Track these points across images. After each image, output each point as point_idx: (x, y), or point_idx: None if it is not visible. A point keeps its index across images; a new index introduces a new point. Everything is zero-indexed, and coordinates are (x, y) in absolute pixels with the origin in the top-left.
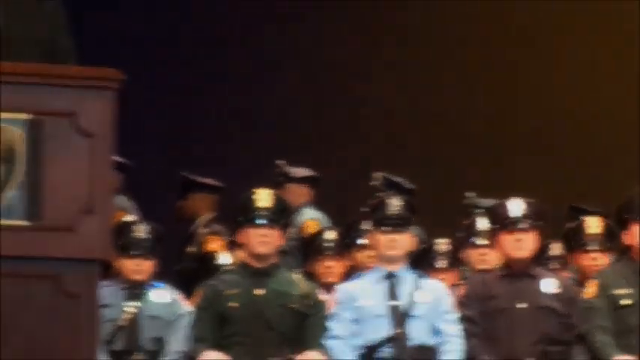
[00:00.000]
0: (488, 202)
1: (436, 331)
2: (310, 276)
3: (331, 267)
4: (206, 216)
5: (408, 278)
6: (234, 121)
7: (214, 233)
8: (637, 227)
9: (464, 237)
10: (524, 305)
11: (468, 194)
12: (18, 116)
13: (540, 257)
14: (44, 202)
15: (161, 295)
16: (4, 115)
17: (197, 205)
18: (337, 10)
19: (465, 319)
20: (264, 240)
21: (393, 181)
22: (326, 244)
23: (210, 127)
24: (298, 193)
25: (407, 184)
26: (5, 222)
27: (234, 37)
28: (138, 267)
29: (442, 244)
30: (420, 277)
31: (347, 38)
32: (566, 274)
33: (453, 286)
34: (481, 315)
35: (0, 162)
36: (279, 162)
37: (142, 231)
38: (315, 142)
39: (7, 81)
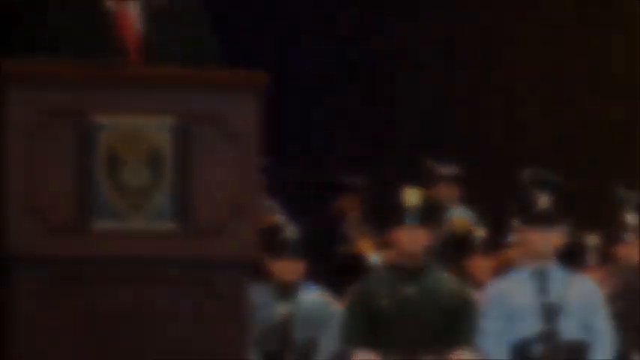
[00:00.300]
0: (637, 196)
1: (587, 328)
2: (461, 274)
3: (481, 265)
4: (354, 216)
5: (558, 275)
6: (379, 120)
7: (364, 233)
8: None
9: (613, 232)
10: None
11: (618, 189)
12: (164, 120)
13: None
14: (192, 205)
15: (312, 295)
16: (151, 119)
17: (345, 205)
18: None
19: (614, 315)
20: (414, 239)
21: (543, 177)
22: (476, 242)
23: (356, 126)
24: (447, 192)
25: (556, 181)
26: (154, 226)
27: (370, 31)
28: (289, 268)
29: (592, 239)
30: (571, 273)
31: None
32: None
33: (603, 281)
34: (631, 310)
35: (148, 166)
36: (427, 161)
37: (291, 232)
38: (462, 140)
39: (151, 84)
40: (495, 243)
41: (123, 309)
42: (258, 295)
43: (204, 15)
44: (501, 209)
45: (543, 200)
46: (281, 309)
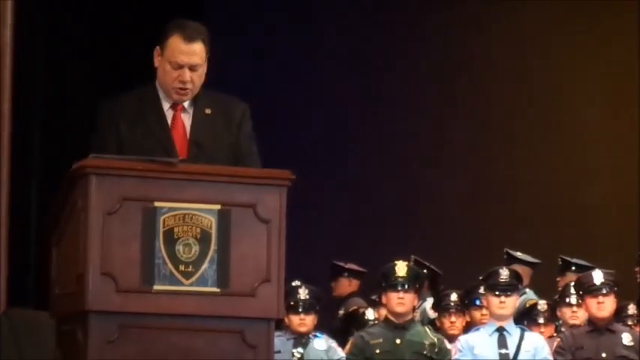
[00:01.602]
0: (581, 261)
1: None
2: (437, 328)
3: (454, 322)
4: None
5: (514, 331)
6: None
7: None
8: None
9: (559, 298)
10: (606, 355)
11: (563, 256)
12: (211, 207)
13: (619, 315)
14: (231, 273)
15: (320, 343)
16: (200, 205)
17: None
18: None
19: None
20: (402, 302)
21: (515, 255)
22: (451, 304)
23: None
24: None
25: (529, 259)
26: (200, 289)
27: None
28: (302, 321)
29: (542, 304)
30: (524, 330)
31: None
32: None
33: (550, 338)
34: None
35: (197, 242)
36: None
37: (304, 293)
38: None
39: (202, 179)
40: (466, 305)
41: (172, 353)
42: (279, 342)
43: (247, 122)
44: (472, 279)
45: (504, 273)
46: (296, 353)
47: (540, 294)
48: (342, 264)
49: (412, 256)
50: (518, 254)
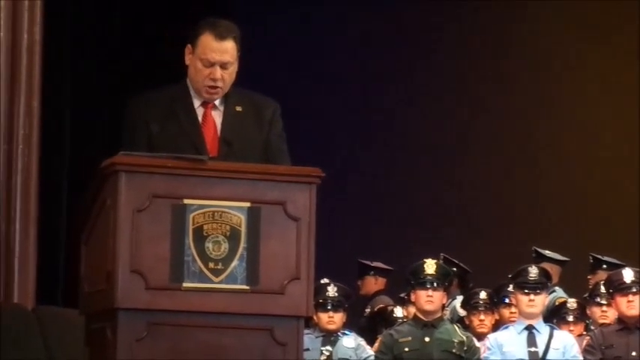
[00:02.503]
0: (612, 259)
1: None
2: (466, 326)
3: (483, 320)
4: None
5: (543, 330)
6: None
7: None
8: None
9: (589, 297)
10: (635, 354)
11: (593, 254)
12: (240, 204)
13: None
14: (260, 271)
15: (349, 341)
16: (230, 203)
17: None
18: None
19: None
20: (431, 299)
21: (543, 253)
22: (480, 302)
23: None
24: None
25: (558, 257)
26: (230, 286)
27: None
28: (331, 319)
29: (572, 302)
30: (553, 328)
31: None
32: None
33: (580, 336)
34: None
35: (226, 240)
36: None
37: (333, 291)
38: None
39: (231, 177)
40: (495, 303)
41: (202, 351)
42: (308, 340)
43: (278, 122)
44: (501, 276)
45: (533, 271)
46: (325, 352)
47: (570, 292)
48: (368, 262)
49: (441, 254)
50: (547, 252)
